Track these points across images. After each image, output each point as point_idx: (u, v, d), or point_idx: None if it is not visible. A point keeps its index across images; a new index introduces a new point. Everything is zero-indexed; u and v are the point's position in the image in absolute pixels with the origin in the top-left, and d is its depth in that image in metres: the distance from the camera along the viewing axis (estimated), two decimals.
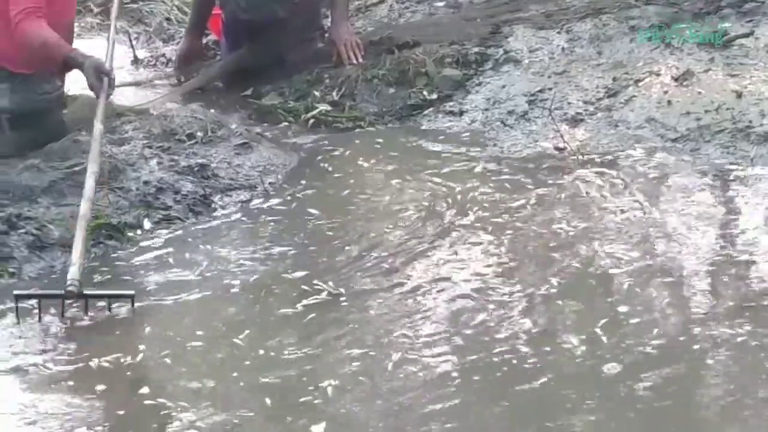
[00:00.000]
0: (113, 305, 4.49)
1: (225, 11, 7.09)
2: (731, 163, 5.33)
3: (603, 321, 4.12)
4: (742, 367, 3.81)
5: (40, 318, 4.42)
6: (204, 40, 7.60)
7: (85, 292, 4.47)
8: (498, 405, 3.74)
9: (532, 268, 4.55)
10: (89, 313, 4.45)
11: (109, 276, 4.81)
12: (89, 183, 4.94)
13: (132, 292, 4.54)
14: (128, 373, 4.08)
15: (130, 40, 7.96)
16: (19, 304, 4.43)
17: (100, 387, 3.99)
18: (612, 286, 4.38)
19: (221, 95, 6.94)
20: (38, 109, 5.81)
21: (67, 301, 4.48)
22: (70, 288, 4.43)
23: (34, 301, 4.47)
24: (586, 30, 6.63)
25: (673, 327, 4.05)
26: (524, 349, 4.00)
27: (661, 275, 4.39)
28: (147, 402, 3.87)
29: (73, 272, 4.49)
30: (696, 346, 3.94)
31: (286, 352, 4.12)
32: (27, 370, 4.13)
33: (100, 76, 5.59)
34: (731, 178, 5.21)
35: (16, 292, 4.48)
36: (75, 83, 6.11)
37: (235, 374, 4.01)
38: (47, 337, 4.40)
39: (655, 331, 4.02)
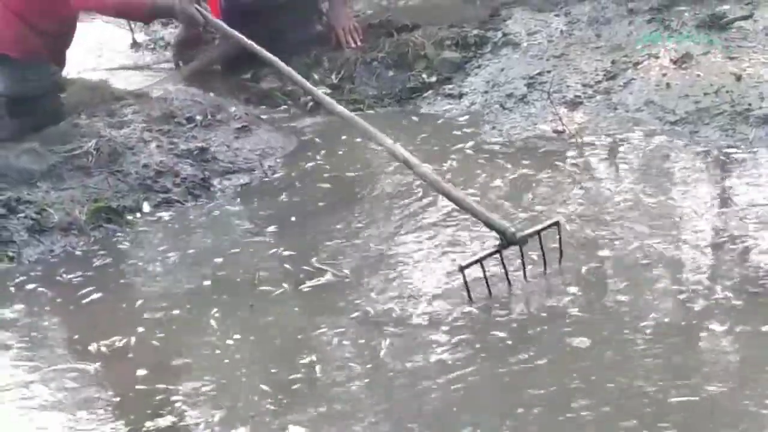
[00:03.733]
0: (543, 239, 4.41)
1: None
2: (730, 146, 5.32)
3: (599, 304, 4.13)
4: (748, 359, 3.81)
5: (488, 289, 4.26)
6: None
7: (519, 235, 4.33)
8: (498, 385, 3.74)
9: (529, 250, 4.54)
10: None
11: (109, 259, 4.82)
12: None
13: (557, 219, 4.48)
14: (129, 355, 4.09)
15: (129, 24, 7.95)
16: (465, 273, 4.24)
17: (97, 368, 4.01)
18: (609, 270, 4.38)
19: (220, 79, 6.94)
20: (36, 94, 5.80)
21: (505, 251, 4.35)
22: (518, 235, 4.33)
23: None
24: (585, 13, 6.63)
25: (670, 312, 4.05)
26: (520, 330, 4.00)
27: (660, 258, 4.38)
28: (141, 386, 3.88)
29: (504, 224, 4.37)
30: (696, 332, 3.93)
31: (286, 334, 4.13)
32: (24, 350, 4.16)
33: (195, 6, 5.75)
34: (730, 160, 5.20)
35: (462, 264, 4.25)
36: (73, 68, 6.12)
37: (236, 357, 4.02)
38: (44, 317, 4.43)
39: (652, 315, 4.01)
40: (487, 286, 4.27)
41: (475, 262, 4.30)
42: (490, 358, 3.83)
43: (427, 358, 3.88)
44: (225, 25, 5.80)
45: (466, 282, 4.24)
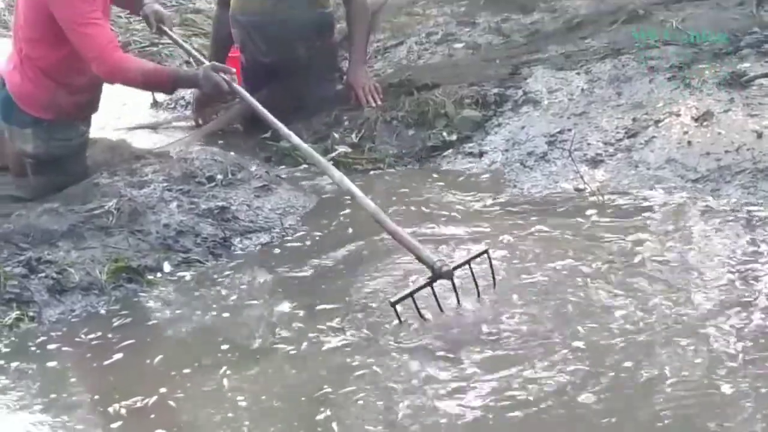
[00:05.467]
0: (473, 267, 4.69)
1: (244, 54, 7.13)
2: (752, 204, 5.29)
3: (619, 361, 4.11)
4: None
5: (421, 315, 4.53)
6: None
7: (445, 269, 4.59)
8: None
9: (549, 308, 4.52)
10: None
11: (129, 319, 4.81)
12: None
13: (485, 247, 4.77)
14: (150, 415, 4.06)
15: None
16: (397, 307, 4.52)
17: (117, 430, 3.98)
18: (631, 329, 4.35)
19: (240, 138, 6.97)
20: (62, 155, 5.84)
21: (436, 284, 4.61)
22: (444, 269, 4.59)
23: None
24: (606, 71, 6.63)
25: (693, 371, 4.02)
26: (537, 387, 3.98)
27: (681, 318, 4.36)
28: None
29: (432, 257, 4.65)
30: (719, 392, 3.90)
31: (306, 395, 4.11)
32: (45, 410, 4.14)
33: (219, 74, 5.77)
34: (752, 218, 5.18)
35: (391, 300, 4.53)
36: (93, 128, 6.15)
37: (257, 418, 3.99)
38: (65, 377, 4.42)
39: (673, 374, 3.99)
40: (420, 315, 4.52)
41: (405, 297, 4.54)
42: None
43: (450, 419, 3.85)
44: (247, 94, 5.82)
45: (397, 314, 4.50)
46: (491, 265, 4.71)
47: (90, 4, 5.56)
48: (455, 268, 4.63)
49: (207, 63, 6.05)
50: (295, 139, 5.53)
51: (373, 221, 4.94)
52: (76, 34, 5.55)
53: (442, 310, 4.54)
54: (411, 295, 4.54)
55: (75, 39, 5.56)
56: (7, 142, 5.93)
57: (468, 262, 4.70)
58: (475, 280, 4.67)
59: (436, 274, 4.59)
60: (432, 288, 4.58)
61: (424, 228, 5.28)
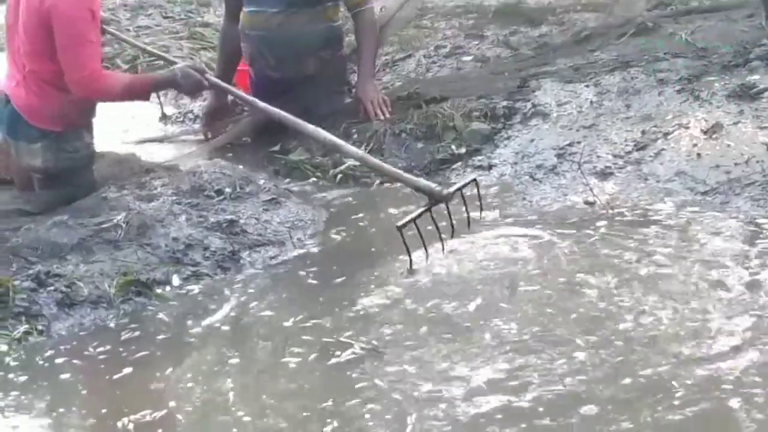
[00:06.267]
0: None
1: (253, 68, 7.15)
2: (762, 216, 5.28)
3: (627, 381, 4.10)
4: None
5: (425, 246, 5.10)
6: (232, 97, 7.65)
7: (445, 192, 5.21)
8: None
9: (559, 320, 4.51)
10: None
11: (138, 333, 4.80)
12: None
13: (474, 176, 5.55)
14: (158, 430, 4.06)
15: (158, 97, 7.99)
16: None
17: None
18: (640, 343, 4.34)
19: (249, 151, 6.96)
20: (70, 167, 5.84)
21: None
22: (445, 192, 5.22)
23: None
24: (615, 83, 6.62)
25: (702, 385, 4.01)
26: (547, 401, 3.98)
27: (690, 331, 4.35)
28: None
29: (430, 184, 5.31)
30: (729, 408, 3.89)
31: (314, 408, 4.10)
32: (53, 424, 4.13)
33: (197, 72, 5.91)
34: (762, 231, 5.16)
35: (398, 224, 5.10)
36: (102, 141, 6.15)
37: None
38: (74, 390, 4.41)
39: (682, 388, 3.98)
40: (424, 245, 5.08)
41: (410, 221, 5.08)
42: None
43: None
44: (230, 87, 5.97)
45: (404, 240, 5.01)
46: (479, 194, 5.44)
47: (90, 23, 5.59)
48: (452, 193, 5.25)
49: (179, 63, 6.14)
50: (273, 110, 5.98)
51: (382, 232, 4.96)
52: (70, 52, 5.57)
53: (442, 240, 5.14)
54: (414, 219, 5.08)
55: (68, 55, 5.58)
56: (12, 157, 5.94)
57: (460, 189, 5.36)
58: (467, 208, 5.32)
59: (436, 198, 5.21)
60: (431, 212, 5.19)
61: (434, 240, 5.25)
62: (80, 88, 5.64)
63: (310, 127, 5.84)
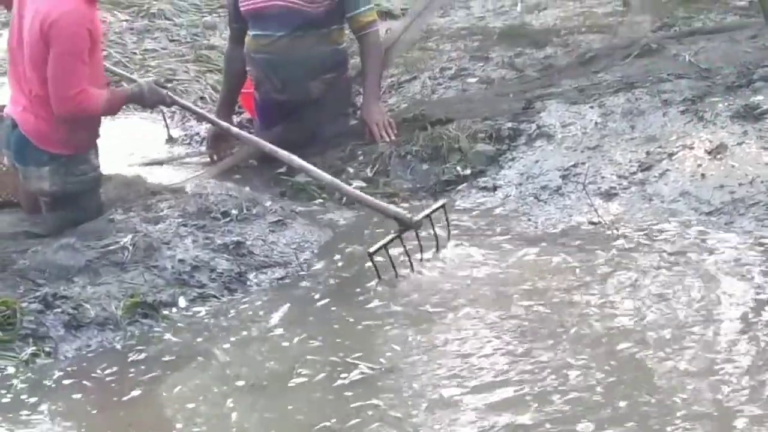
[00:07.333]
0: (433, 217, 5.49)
1: (259, 91, 7.17)
2: (766, 236, 5.29)
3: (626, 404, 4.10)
4: None
5: (394, 269, 5.28)
6: (238, 119, 7.67)
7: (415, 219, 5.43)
8: None
9: (563, 340, 4.52)
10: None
11: (145, 354, 4.81)
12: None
13: (443, 201, 5.69)
14: None
15: (165, 119, 8.03)
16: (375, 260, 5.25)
17: None
18: (644, 363, 4.35)
19: (255, 173, 6.97)
20: (78, 191, 5.84)
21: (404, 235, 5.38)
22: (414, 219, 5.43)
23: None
24: (619, 104, 6.63)
25: (705, 405, 4.01)
26: (552, 419, 3.99)
27: (693, 352, 4.36)
28: None
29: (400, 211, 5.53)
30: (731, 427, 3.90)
31: (319, 427, 4.11)
32: None
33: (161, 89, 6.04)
34: (767, 250, 5.17)
35: (369, 250, 5.30)
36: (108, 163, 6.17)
37: None
38: (81, 412, 4.42)
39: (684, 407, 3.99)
40: (393, 267, 5.26)
41: (380, 247, 5.28)
42: None
43: None
44: (191, 105, 6.17)
45: (374, 264, 5.24)
46: (447, 219, 5.56)
47: (86, 41, 5.60)
48: (421, 219, 5.43)
49: (141, 80, 6.14)
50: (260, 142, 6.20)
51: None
52: (64, 69, 5.57)
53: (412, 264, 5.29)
54: (386, 245, 5.28)
55: (60, 72, 5.57)
56: (20, 181, 5.95)
57: (429, 215, 5.50)
58: (434, 232, 5.47)
59: (407, 225, 5.43)
60: (401, 239, 5.36)
61: (437, 262, 5.27)
62: (66, 105, 5.61)
63: (268, 147, 6.07)
